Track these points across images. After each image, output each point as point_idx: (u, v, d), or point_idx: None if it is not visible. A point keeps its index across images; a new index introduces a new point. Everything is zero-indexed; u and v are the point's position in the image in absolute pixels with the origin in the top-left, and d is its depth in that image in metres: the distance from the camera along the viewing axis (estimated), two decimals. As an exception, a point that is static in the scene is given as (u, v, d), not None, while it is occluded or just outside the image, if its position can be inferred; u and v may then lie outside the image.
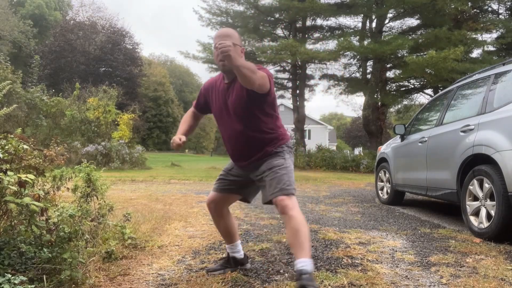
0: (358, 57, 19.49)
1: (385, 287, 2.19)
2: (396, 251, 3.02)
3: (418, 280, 2.32)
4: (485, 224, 3.41)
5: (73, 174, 2.86)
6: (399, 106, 21.85)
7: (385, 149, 6.24)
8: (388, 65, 19.53)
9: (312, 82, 22.60)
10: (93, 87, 17.81)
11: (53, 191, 2.65)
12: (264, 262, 2.69)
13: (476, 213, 3.60)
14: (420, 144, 4.87)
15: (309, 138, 38.47)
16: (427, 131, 4.83)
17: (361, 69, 20.47)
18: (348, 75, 21.30)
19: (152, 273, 2.43)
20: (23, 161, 2.25)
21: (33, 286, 1.74)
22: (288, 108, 34.20)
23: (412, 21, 19.40)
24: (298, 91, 21.13)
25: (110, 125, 15.99)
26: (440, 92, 5.45)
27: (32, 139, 2.59)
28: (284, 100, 32.94)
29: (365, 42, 17.79)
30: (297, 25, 20.92)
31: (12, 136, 2.27)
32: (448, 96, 4.73)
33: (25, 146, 2.23)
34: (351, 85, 20.39)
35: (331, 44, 19.71)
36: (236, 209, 5.09)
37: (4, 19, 32.79)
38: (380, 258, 2.81)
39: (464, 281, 2.27)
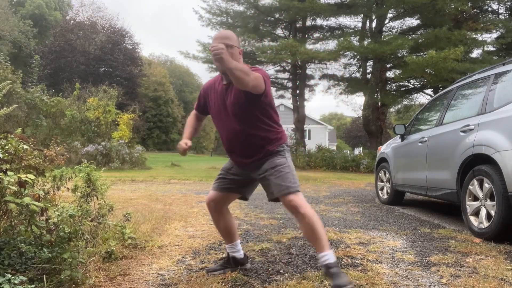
0: (358, 57, 19.49)
1: (385, 287, 2.19)
2: (396, 251, 3.02)
3: (418, 280, 2.33)
4: (485, 224, 3.41)
5: (73, 174, 2.86)
6: (399, 106, 21.86)
7: (385, 149, 6.24)
8: (388, 65, 19.53)
9: (312, 82, 22.64)
10: (93, 87, 17.81)
11: (53, 191, 2.65)
12: (264, 262, 2.69)
13: (476, 213, 3.60)
14: (420, 144, 4.87)
15: (309, 138, 38.48)
16: (427, 131, 4.83)
17: (361, 69, 20.47)
18: (348, 75, 21.32)
19: (152, 273, 2.44)
20: (23, 161, 2.25)
21: (33, 286, 1.74)
22: (288, 108, 34.22)
23: (412, 21, 19.44)
24: (298, 91, 21.13)
25: (110, 125, 15.99)
26: (440, 92, 5.45)
27: (32, 139, 2.59)
28: (284, 100, 32.98)
29: (365, 42, 17.79)
30: (297, 25, 20.92)
31: (12, 136, 2.27)
32: (448, 96, 4.73)
33: (25, 146, 2.23)
34: (351, 85, 20.39)
35: (331, 44, 19.74)
36: (236, 209, 5.09)
37: (4, 19, 32.78)
38: (380, 258, 2.81)
39: (464, 281, 2.27)
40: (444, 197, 4.34)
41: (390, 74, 20.32)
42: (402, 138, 5.59)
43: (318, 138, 39.19)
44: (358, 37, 18.66)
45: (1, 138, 2.20)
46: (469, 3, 16.86)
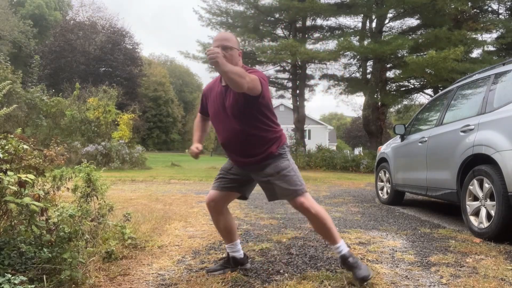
0: (358, 57, 19.49)
1: (385, 287, 2.19)
2: (396, 251, 3.02)
3: (418, 280, 2.33)
4: (485, 224, 3.41)
5: (73, 174, 2.86)
6: (399, 106, 21.86)
7: (385, 149, 6.24)
8: (388, 65, 19.53)
9: (312, 82, 22.64)
10: (93, 87, 17.81)
11: (53, 191, 2.65)
12: (264, 262, 2.69)
13: (476, 213, 3.60)
14: (420, 144, 4.87)
15: (309, 138, 38.46)
16: (427, 131, 4.83)
17: (361, 69, 20.47)
18: (348, 75, 21.32)
19: (152, 273, 2.44)
20: (23, 161, 2.25)
21: (33, 286, 1.74)
22: (288, 108, 34.21)
23: (412, 21, 19.44)
24: (298, 91, 21.13)
25: (110, 125, 15.99)
26: (440, 92, 5.44)
27: (32, 139, 2.59)
28: (284, 100, 32.99)
29: (365, 42, 17.78)
30: (297, 25, 20.91)
31: (12, 136, 2.27)
32: (448, 96, 4.73)
33: (25, 146, 2.23)
34: (351, 85, 20.39)
35: (331, 44, 19.74)
36: (236, 209, 5.09)
37: (4, 19, 32.79)
38: (380, 258, 2.81)
39: (464, 281, 2.27)
40: (444, 197, 4.34)
41: (390, 74, 20.34)
42: (402, 138, 5.59)
43: (318, 138, 39.18)
44: (358, 37, 18.65)
45: (1, 138, 2.20)
46: (469, 3, 16.85)
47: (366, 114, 18.98)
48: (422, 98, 22.29)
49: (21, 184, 2.03)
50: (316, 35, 21.37)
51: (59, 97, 15.55)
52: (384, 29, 19.36)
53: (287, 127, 21.46)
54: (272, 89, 23.03)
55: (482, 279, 2.30)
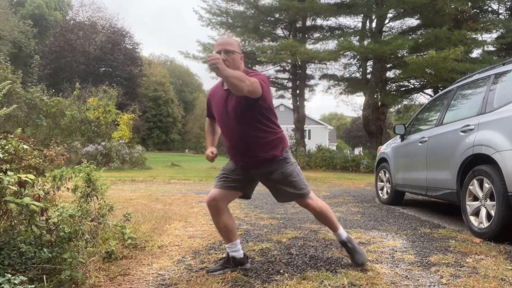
0: (358, 57, 19.49)
1: (385, 287, 2.19)
2: (396, 251, 3.02)
3: (418, 280, 2.33)
4: (485, 224, 3.41)
5: (73, 174, 2.86)
6: (399, 106, 21.86)
7: (385, 149, 6.24)
8: (388, 65, 19.53)
9: (312, 82, 22.62)
10: (93, 87, 17.82)
11: (53, 191, 2.65)
12: (264, 262, 2.69)
13: (476, 213, 3.60)
14: (420, 144, 4.87)
15: (309, 138, 38.46)
16: (427, 131, 4.83)
17: (361, 69, 20.47)
18: (348, 75, 21.32)
19: (152, 273, 2.44)
20: (23, 161, 2.25)
21: (33, 286, 1.74)
22: (288, 108, 34.20)
23: (412, 21, 19.44)
24: (298, 91, 21.13)
25: (110, 125, 15.99)
26: (440, 92, 5.44)
27: (32, 139, 2.59)
28: (284, 100, 32.98)
29: (365, 42, 17.78)
30: (297, 25, 20.91)
31: (12, 136, 2.27)
32: (448, 96, 4.72)
33: (25, 146, 2.23)
34: (351, 85, 20.39)
35: (331, 44, 19.74)
36: (236, 209, 5.09)
37: (4, 19, 32.79)
38: (380, 258, 2.81)
39: (464, 281, 2.27)
40: (444, 197, 4.34)
41: (390, 74, 20.33)
42: (402, 138, 5.59)
43: (318, 138, 39.17)
44: (358, 37, 18.65)
45: (1, 138, 2.20)
46: (469, 3, 16.85)
47: (366, 114, 18.98)
48: (422, 98, 22.33)
49: (21, 184, 2.03)
50: (316, 35, 21.38)
51: (59, 97, 15.55)
52: (384, 29, 19.36)
53: (287, 127, 21.46)
54: (272, 89, 23.01)
55: (482, 279, 2.30)
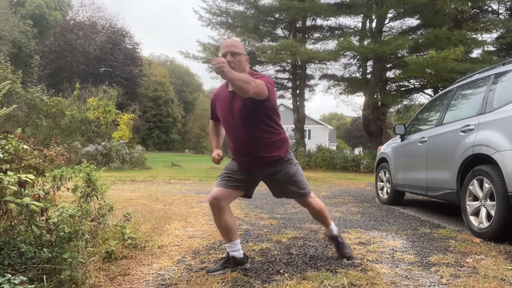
0: (358, 57, 19.49)
1: (385, 287, 2.19)
2: (396, 251, 3.02)
3: (418, 280, 2.33)
4: (485, 224, 3.40)
5: (73, 174, 2.86)
6: (399, 106, 21.86)
7: (385, 149, 6.24)
8: (388, 65, 19.52)
9: (312, 82, 22.63)
10: (93, 87, 17.82)
11: (53, 191, 2.65)
12: (264, 262, 2.69)
13: (476, 213, 3.60)
14: (420, 144, 4.87)
15: (309, 138, 38.46)
16: (427, 131, 4.83)
17: (361, 69, 20.47)
18: (348, 75, 21.32)
19: (152, 273, 2.44)
20: (23, 161, 2.25)
21: (33, 286, 1.74)
22: (288, 108, 34.18)
23: (412, 21, 19.44)
24: (298, 91, 21.13)
25: (110, 125, 15.99)
26: (440, 92, 5.44)
27: (32, 139, 2.59)
28: (284, 100, 32.95)
29: (365, 42, 17.78)
30: (297, 25, 20.91)
31: (12, 136, 2.27)
32: (448, 96, 4.72)
33: (25, 146, 2.23)
34: (351, 85, 20.39)
35: (331, 44, 19.75)
36: (236, 209, 5.09)
37: (4, 19, 32.79)
38: (380, 258, 2.81)
39: (464, 281, 2.27)
40: (444, 197, 4.34)
41: (390, 74, 20.33)
42: (402, 138, 5.59)
43: (318, 138, 39.17)
44: (358, 37, 18.65)
45: (1, 138, 2.20)
46: (469, 3, 16.85)
47: (366, 114, 18.98)
48: (422, 98, 22.32)
49: (21, 184, 2.03)
50: (316, 35, 21.38)
51: (59, 97, 15.55)
52: (384, 29, 19.36)
53: (287, 127, 21.35)
54: (273, 89, 22.96)
55: (482, 279, 2.30)
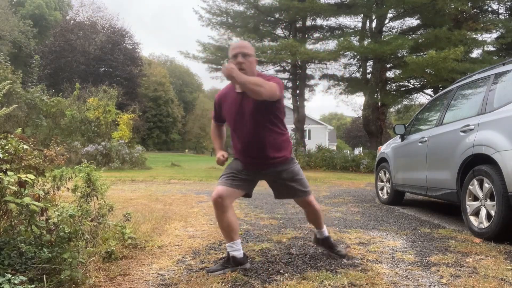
0: (358, 57, 19.49)
1: (385, 287, 2.19)
2: (396, 251, 3.02)
3: (418, 280, 2.33)
4: (485, 224, 3.41)
5: (73, 174, 2.86)
6: (399, 106, 21.85)
7: (385, 149, 6.24)
8: (388, 65, 19.52)
9: (312, 82, 22.62)
10: (93, 87, 17.81)
11: (53, 191, 2.65)
12: (264, 262, 2.69)
13: (476, 213, 3.60)
14: (420, 144, 4.87)
15: (309, 138, 38.46)
16: (427, 131, 4.83)
17: (361, 69, 20.46)
18: (348, 75, 21.31)
19: (152, 273, 2.44)
20: (23, 161, 2.25)
21: (33, 286, 1.74)
22: (288, 108, 34.02)
23: (412, 21, 19.43)
24: (298, 91, 21.12)
25: (110, 125, 15.99)
26: (440, 92, 5.44)
27: (32, 139, 2.59)
28: (284, 100, 32.94)
29: (365, 42, 17.78)
30: (297, 25, 20.91)
31: (12, 136, 2.27)
32: (448, 96, 4.72)
33: (25, 146, 2.23)
34: (351, 85, 20.39)
35: (331, 44, 19.75)
36: (236, 209, 5.09)
37: (4, 19, 32.79)
38: (380, 258, 2.81)
39: (464, 281, 2.27)
40: (444, 197, 4.34)
41: (390, 74, 20.32)
42: (402, 138, 5.59)
43: (318, 138, 39.17)
44: (358, 37, 18.65)
45: (1, 138, 2.20)
46: (469, 3, 16.85)
47: (366, 114, 18.97)
48: (422, 98, 22.30)
49: (21, 184, 2.03)
50: (316, 35, 21.37)
51: (59, 97, 15.55)
52: (384, 29, 19.36)
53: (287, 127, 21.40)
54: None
55: (482, 279, 2.30)
